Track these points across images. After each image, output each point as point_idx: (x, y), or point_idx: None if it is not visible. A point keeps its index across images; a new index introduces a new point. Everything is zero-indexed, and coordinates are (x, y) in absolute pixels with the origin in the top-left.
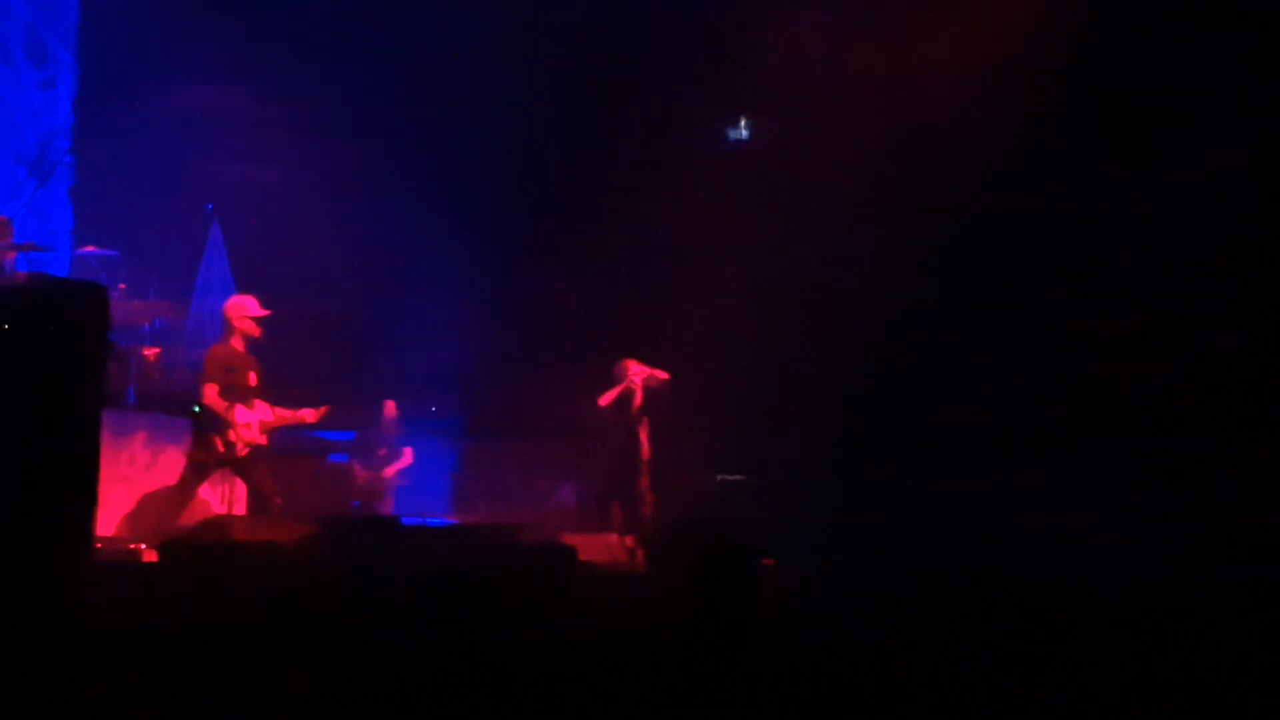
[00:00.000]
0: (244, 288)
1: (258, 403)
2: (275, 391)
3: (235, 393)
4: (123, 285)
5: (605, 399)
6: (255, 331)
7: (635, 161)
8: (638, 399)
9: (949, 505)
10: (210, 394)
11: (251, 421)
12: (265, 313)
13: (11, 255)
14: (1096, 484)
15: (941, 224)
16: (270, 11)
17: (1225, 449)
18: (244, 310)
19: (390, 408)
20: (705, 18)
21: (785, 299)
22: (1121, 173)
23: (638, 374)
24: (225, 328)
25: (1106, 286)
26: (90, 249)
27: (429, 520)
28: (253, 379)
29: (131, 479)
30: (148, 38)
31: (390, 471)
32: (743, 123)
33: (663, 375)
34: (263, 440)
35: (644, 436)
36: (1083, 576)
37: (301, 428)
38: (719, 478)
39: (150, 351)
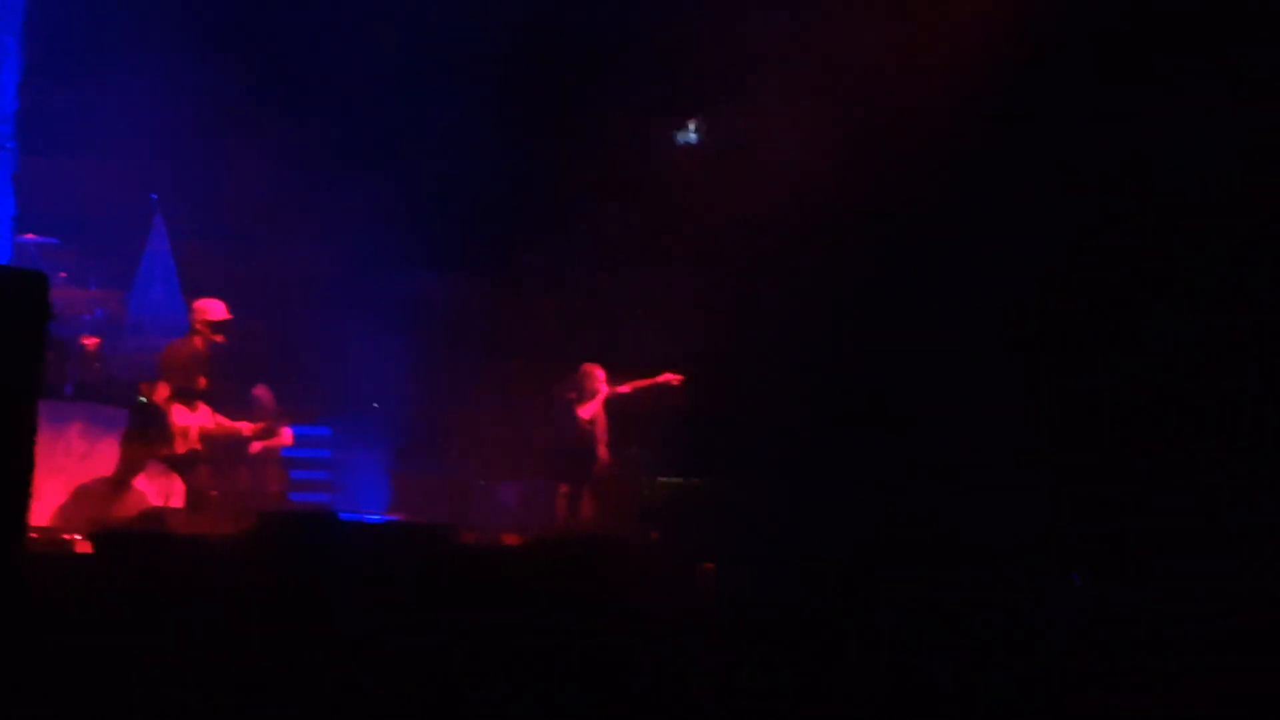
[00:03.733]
0: (186, 280)
1: (201, 406)
2: (216, 394)
3: (183, 395)
4: (63, 274)
5: (586, 411)
6: (217, 336)
7: (576, 164)
8: (601, 405)
9: (891, 510)
10: (162, 392)
11: (191, 426)
12: (230, 318)
13: None
14: (1036, 491)
15: (890, 227)
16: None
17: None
18: (209, 314)
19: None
20: (648, 19)
21: (728, 303)
22: (1074, 170)
23: (602, 379)
24: (192, 327)
25: (1057, 288)
26: (31, 236)
27: (367, 517)
28: (203, 383)
29: (67, 469)
30: (93, 24)
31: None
32: (691, 125)
33: (674, 379)
34: (198, 447)
35: (603, 441)
36: (1020, 584)
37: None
38: (660, 480)
39: (90, 341)
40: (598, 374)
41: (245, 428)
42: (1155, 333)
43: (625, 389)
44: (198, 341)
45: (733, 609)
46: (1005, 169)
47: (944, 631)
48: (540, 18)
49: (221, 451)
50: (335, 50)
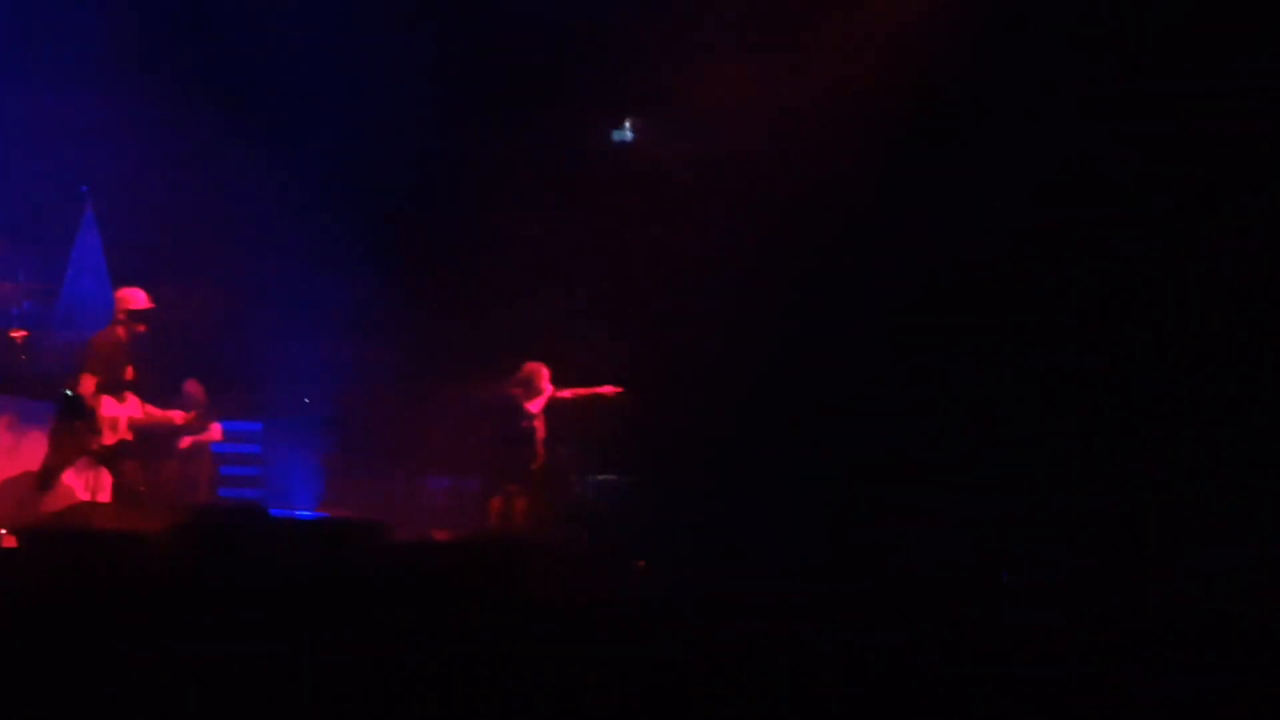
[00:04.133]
0: (116, 272)
1: (130, 397)
2: (144, 386)
3: (110, 386)
4: None
5: (533, 407)
6: (139, 326)
7: (510, 163)
8: (540, 405)
9: (818, 508)
10: (88, 384)
11: (120, 417)
12: (151, 307)
13: None
14: (963, 487)
15: (820, 227)
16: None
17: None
18: (130, 303)
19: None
20: (585, 19)
21: (661, 301)
22: (1007, 186)
23: (547, 378)
24: (114, 317)
25: (995, 289)
26: None
27: (297, 513)
28: (129, 373)
29: None
30: (21, 13)
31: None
32: (626, 124)
33: (611, 390)
34: (128, 437)
35: (540, 440)
36: (951, 582)
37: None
38: (592, 478)
39: (17, 334)
40: (543, 373)
41: (176, 416)
42: (1100, 320)
43: (567, 394)
44: (120, 331)
45: (665, 607)
46: (946, 166)
47: (879, 626)
48: (473, 16)
49: (151, 445)
50: (269, 45)
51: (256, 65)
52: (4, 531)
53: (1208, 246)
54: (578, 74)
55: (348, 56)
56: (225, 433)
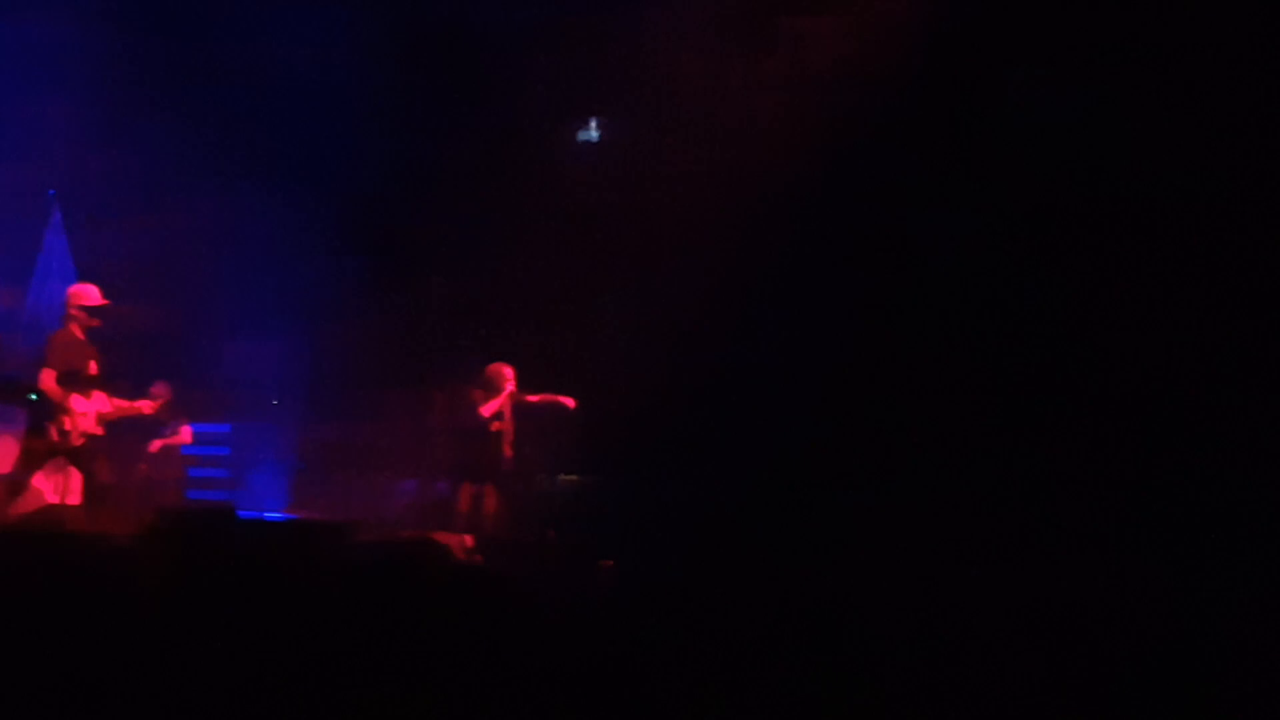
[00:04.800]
0: (85, 275)
1: (96, 393)
2: (110, 383)
3: (74, 381)
4: None
5: (488, 408)
6: (94, 321)
7: (476, 162)
8: (508, 405)
9: (793, 506)
10: (48, 380)
11: (89, 411)
12: (105, 303)
13: None
14: (935, 482)
15: (794, 223)
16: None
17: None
18: (83, 299)
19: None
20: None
21: (627, 300)
22: (976, 182)
23: (511, 380)
24: (66, 315)
25: (968, 288)
26: None
27: (266, 515)
28: (93, 368)
29: None
30: None
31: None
32: (593, 123)
33: (568, 402)
34: (99, 431)
35: (507, 440)
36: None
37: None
38: (558, 478)
39: None
40: (506, 372)
41: (144, 406)
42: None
43: (533, 398)
44: (74, 328)
45: (632, 607)
46: (919, 157)
47: (848, 624)
48: (439, 15)
49: (121, 444)
50: (233, 43)
51: (221, 67)
52: None
53: (1207, 246)
54: (544, 75)
55: (316, 58)
56: (194, 435)
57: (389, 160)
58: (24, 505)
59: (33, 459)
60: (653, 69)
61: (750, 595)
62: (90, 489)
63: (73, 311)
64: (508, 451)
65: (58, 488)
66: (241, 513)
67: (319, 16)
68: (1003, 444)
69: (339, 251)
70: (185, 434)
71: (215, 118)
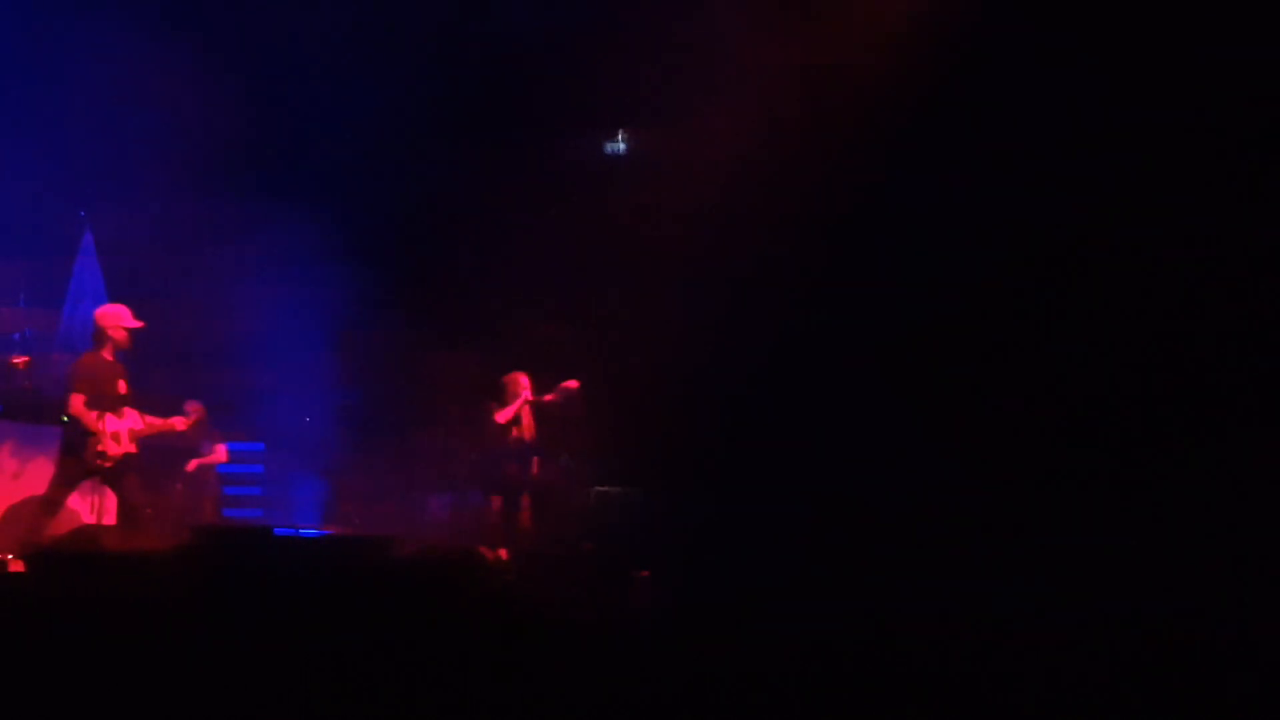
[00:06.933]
0: (116, 296)
1: (127, 411)
2: (141, 401)
3: (104, 402)
4: None
5: (504, 414)
6: (126, 342)
7: (504, 176)
8: (528, 413)
9: (821, 517)
10: (77, 403)
11: (121, 430)
12: (138, 324)
13: None
14: (964, 494)
15: (820, 232)
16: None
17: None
18: (116, 320)
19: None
20: (574, 30)
21: (659, 312)
22: (1005, 162)
23: (527, 387)
24: (96, 337)
25: (987, 294)
26: None
27: (301, 531)
28: (122, 387)
29: None
30: (25, 34)
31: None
32: (620, 136)
33: (573, 385)
34: (133, 449)
35: (530, 449)
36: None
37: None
38: (594, 490)
39: (19, 360)
40: (522, 380)
41: (178, 423)
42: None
43: (548, 397)
44: (105, 351)
45: (667, 617)
46: (934, 166)
47: (881, 634)
48: (465, 29)
49: (158, 465)
50: (266, 68)
51: (255, 90)
52: (11, 557)
53: (1207, 246)
54: (570, 88)
55: (340, 77)
56: (229, 453)
57: (421, 179)
58: (59, 526)
59: (67, 480)
60: (677, 79)
61: (786, 606)
62: (124, 509)
63: (105, 333)
64: (532, 461)
65: (93, 508)
66: (277, 530)
67: (349, 38)
68: (1057, 454)
69: (370, 270)
70: (221, 453)
71: (243, 141)
